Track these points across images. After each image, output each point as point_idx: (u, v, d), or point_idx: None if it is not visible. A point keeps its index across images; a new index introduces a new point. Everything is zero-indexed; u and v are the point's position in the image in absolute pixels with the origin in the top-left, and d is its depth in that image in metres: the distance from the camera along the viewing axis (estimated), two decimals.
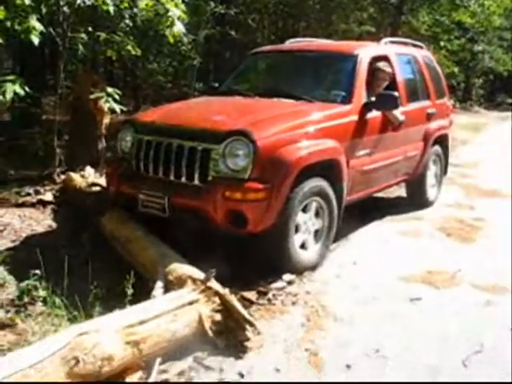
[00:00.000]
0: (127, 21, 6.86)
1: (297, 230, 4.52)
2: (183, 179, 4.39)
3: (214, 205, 4.15)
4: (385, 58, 6.01)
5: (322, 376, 3.09)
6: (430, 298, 4.26)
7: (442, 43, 18.81)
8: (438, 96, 7.17)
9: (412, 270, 4.79)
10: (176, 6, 5.88)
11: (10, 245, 4.84)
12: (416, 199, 7.10)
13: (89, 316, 3.37)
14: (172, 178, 4.46)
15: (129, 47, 6.67)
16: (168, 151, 4.49)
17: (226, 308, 3.42)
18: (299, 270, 4.50)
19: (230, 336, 3.37)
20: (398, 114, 5.78)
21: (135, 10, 6.31)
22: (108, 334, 2.92)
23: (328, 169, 4.74)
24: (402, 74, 6.23)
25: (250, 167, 4.15)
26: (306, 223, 4.63)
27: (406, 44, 7.10)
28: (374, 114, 5.46)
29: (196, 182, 4.33)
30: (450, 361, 3.33)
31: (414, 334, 3.66)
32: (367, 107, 5.35)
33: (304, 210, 4.57)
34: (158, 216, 4.49)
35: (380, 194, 7.08)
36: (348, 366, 3.19)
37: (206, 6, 10.90)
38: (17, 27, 5.14)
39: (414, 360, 3.31)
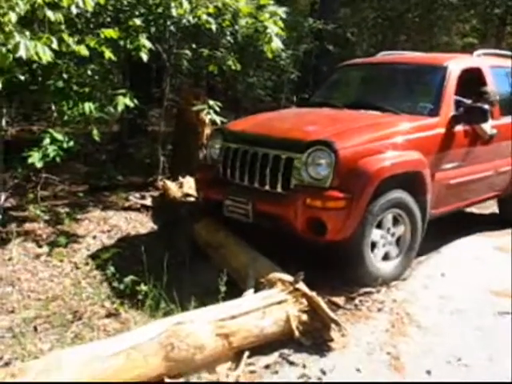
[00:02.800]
0: (228, 37, 7.20)
1: (375, 243, 4.57)
2: (267, 187, 4.57)
3: (295, 211, 4.29)
4: (477, 71, 5.95)
5: (401, 379, 3.19)
6: None
7: None
8: None
9: (502, 284, 4.73)
10: (275, 23, 6.15)
11: (117, 243, 5.27)
12: (508, 216, 6.83)
13: (185, 309, 3.65)
14: (256, 185, 4.65)
15: (230, 62, 7.01)
16: (254, 159, 4.69)
17: (312, 308, 3.59)
18: (378, 283, 4.50)
19: (315, 336, 3.54)
20: (488, 127, 5.66)
21: (236, 27, 6.62)
22: (201, 326, 3.19)
23: (411, 181, 4.74)
24: (495, 87, 6.06)
25: (331, 176, 4.25)
26: (386, 235, 4.66)
27: (502, 56, 6.90)
28: (463, 127, 5.40)
29: (279, 189, 4.49)
30: None
31: (499, 346, 3.65)
32: (455, 120, 5.30)
33: (383, 223, 4.60)
34: (246, 223, 4.70)
35: (474, 210, 6.98)
36: (428, 372, 3.26)
37: (304, 21, 11.18)
38: (128, 46, 5.58)
39: (494, 371, 3.32)
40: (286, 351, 3.43)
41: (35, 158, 5.10)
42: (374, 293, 4.40)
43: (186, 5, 5.67)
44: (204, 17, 5.91)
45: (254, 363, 3.31)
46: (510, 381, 3.19)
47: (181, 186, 6.58)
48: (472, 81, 5.84)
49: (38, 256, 4.89)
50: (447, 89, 5.41)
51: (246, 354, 3.32)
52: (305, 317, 3.57)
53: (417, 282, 4.71)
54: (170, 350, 3.01)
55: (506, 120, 6.20)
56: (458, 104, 5.51)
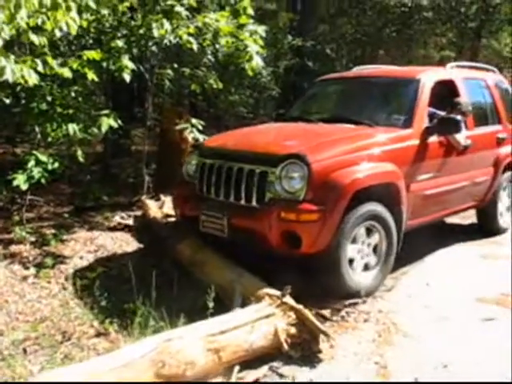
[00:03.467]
0: (209, 56, 7.31)
1: (353, 259, 4.58)
2: (242, 201, 4.60)
3: (270, 225, 4.31)
4: (450, 83, 6.04)
5: None
6: (503, 319, 4.29)
7: None
8: (510, 121, 6.95)
9: (487, 291, 4.82)
10: (255, 41, 6.25)
11: (104, 263, 5.29)
12: (487, 226, 6.90)
13: (174, 326, 3.68)
14: (232, 199, 4.68)
15: (211, 81, 7.12)
16: (229, 174, 4.72)
17: (301, 321, 3.64)
18: (354, 296, 4.50)
19: (303, 348, 3.59)
20: (462, 138, 5.71)
21: (217, 46, 6.71)
22: (191, 342, 3.22)
23: (386, 192, 4.77)
24: (468, 98, 6.13)
25: (305, 189, 4.28)
26: (362, 247, 4.67)
27: (475, 68, 7.05)
28: (437, 138, 5.44)
29: (254, 203, 4.51)
30: None
31: (484, 352, 3.72)
32: (429, 131, 5.34)
33: (357, 237, 4.59)
34: (225, 241, 4.72)
35: (455, 220, 7.10)
36: (416, 379, 3.32)
37: (283, 38, 11.35)
38: (111, 66, 5.65)
39: (481, 376, 3.39)
40: (275, 364, 3.48)
41: (20, 181, 5.13)
42: (359, 304, 4.46)
43: (167, 25, 5.77)
44: (185, 37, 6.01)
45: (244, 377, 3.35)
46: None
47: (162, 205, 6.58)
48: (446, 93, 5.97)
49: (25, 278, 4.88)
50: (420, 101, 5.47)
51: (237, 368, 3.35)
52: (293, 330, 3.62)
53: (402, 292, 4.80)
54: (160, 367, 3.03)
55: (481, 130, 6.31)
56: (432, 116, 5.59)
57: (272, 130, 6.02)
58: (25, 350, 3.75)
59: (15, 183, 5.12)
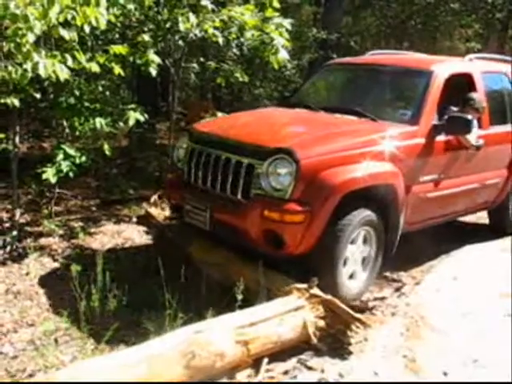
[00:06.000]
0: (235, 50, 7.32)
1: (345, 260, 4.32)
2: (228, 193, 4.34)
3: (252, 223, 4.08)
4: (467, 76, 5.60)
5: (418, 381, 3.23)
6: None
7: None
8: None
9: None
10: (280, 34, 6.23)
11: (132, 257, 5.34)
12: (498, 226, 6.52)
13: (203, 319, 3.70)
14: (218, 190, 4.43)
15: (237, 74, 7.12)
16: (216, 163, 4.46)
17: (332, 312, 3.63)
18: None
19: (332, 341, 3.60)
20: (474, 138, 5.27)
21: (242, 39, 6.70)
22: (221, 334, 3.24)
23: (382, 194, 4.47)
24: (485, 95, 5.68)
25: (292, 188, 4.00)
26: (354, 254, 4.41)
27: (496, 60, 6.52)
28: (445, 137, 5.04)
29: (239, 196, 4.26)
30: None
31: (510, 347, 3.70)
32: (437, 129, 4.95)
33: (352, 241, 4.34)
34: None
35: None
36: (445, 373, 3.31)
37: (308, 31, 11.30)
38: (137, 61, 5.69)
39: (509, 371, 3.37)
40: (303, 357, 3.49)
41: (49, 174, 5.19)
42: (387, 297, 4.45)
43: (192, 19, 5.77)
44: (211, 30, 6.01)
45: (273, 369, 3.37)
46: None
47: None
48: (461, 87, 5.51)
49: (54, 270, 4.96)
50: (430, 96, 5.03)
51: (266, 360, 3.37)
52: (321, 322, 3.63)
53: (429, 286, 4.76)
54: (191, 358, 3.06)
55: (496, 130, 5.82)
56: (444, 111, 5.20)
57: (269, 116, 5.62)
58: (56, 341, 3.81)
59: (44, 176, 5.18)
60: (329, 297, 3.68)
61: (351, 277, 4.47)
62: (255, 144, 4.33)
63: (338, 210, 4.10)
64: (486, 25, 16.15)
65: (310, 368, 3.36)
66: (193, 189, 4.69)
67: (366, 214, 4.32)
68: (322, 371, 3.31)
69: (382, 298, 4.40)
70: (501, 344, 3.72)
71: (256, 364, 3.36)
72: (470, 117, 5.05)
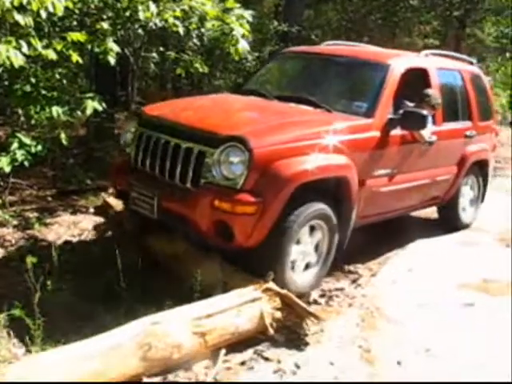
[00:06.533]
0: (195, 40, 7.25)
1: (295, 261, 4.27)
2: (177, 181, 4.17)
3: (201, 213, 3.93)
4: (423, 71, 5.62)
5: (373, 370, 3.29)
6: (483, 304, 4.37)
7: (508, 54, 18.42)
8: (482, 118, 6.57)
9: (466, 277, 4.90)
10: (241, 25, 6.21)
11: (88, 247, 5.25)
12: (447, 221, 6.57)
13: (160, 310, 3.68)
14: (166, 178, 4.25)
15: (197, 65, 7.06)
16: (165, 149, 4.28)
17: (287, 305, 3.66)
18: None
19: (288, 332, 3.63)
20: (428, 133, 5.33)
21: (202, 30, 6.65)
22: (177, 325, 3.24)
23: (335, 187, 4.42)
24: (440, 90, 5.69)
25: (244, 177, 3.86)
26: (305, 247, 4.35)
27: (452, 58, 6.61)
28: (399, 132, 5.01)
29: (188, 185, 4.09)
30: (497, 359, 3.46)
31: (464, 336, 3.80)
32: (392, 123, 4.89)
33: (301, 238, 4.26)
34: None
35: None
36: (399, 363, 3.38)
37: (269, 24, 11.29)
38: (96, 49, 5.58)
39: (461, 360, 3.46)
40: (260, 348, 3.51)
41: (3, 163, 5.07)
42: (344, 289, 4.51)
43: (153, 8, 5.69)
44: (171, 20, 5.93)
45: (230, 360, 3.38)
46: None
47: None
48: (417, 82, 5.51)
49: (8, 261, 4.84)
50: (386, 89, 4.98)
51: (223, 351, 3.38)
52: (278, 314, 3.65)
53: (385, 278, 4.85)
54: (147, 350, 3.05)
55: (448, 126, 5.91)
56: (399, 106, 5.16)
57: (222, 102, 5.53)
58: (9, 334, 3.73)
59: None
60: (284, 291, 3.70)
61: (303, 269, 4.41)
62: (207, 130, 4.18)
63: (290, 203, 3.99)
64: (444, 22, 16.43)
65: (266, 359, 3.39)
66: (140, 175, 4.51)
67: (318, 207, 4.24)
68: (279, 362, 3.35)
69: (339, 290, 4.45)
70: (454, 333, 3.82)
71: (213, 355, 3.36)
72: (425, 112, 5.07)
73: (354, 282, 4.73)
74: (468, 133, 6.24)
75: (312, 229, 4.35)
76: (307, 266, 4.45)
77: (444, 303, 4.35)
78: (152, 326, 3.15)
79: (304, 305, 3.66)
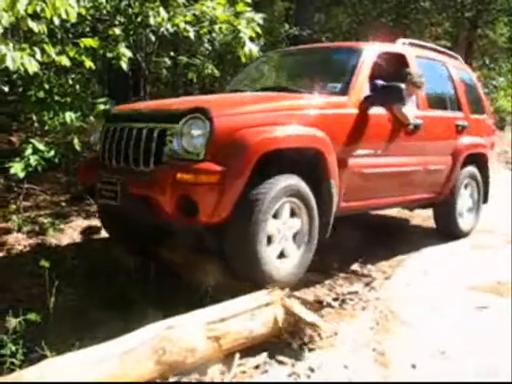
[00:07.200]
0: (206, 45, 7.30)
1: (270, 238, 4.09)
2: (141, 165, 4.11)
3: (163, 189, 3.79)
4: (401, 57, 5.63)
5: (387, 373, 3.28)
6: (496, 307, 4.34)
7: None
8: (473, 111, 6.60)
9: (480, 280, 4.87)
10: (252, 29, 6.23)
11: (104, 251, 5.29)
12: (445, 228, 6.41)
13: (174, 315, 3.69)
14: (131, 165, 4.20)
15: (208, 69, 7.11)
16: (129, 137, 4.25)
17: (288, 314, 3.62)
18: (274, 284, 3.91)
19: (302, 335, 3.62)
20: (410, 114, 5.23)
21: (213, 34, 6.70)
22: (192, 329, 3.24)
23: (307, 159, 4.27)
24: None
25: (206, 147, 3.77)
26: (280, 229, 4.16)
27: (434, 50, 6.64)
28: (381, 111, 5.00)
29: (151, 166, 4.02)
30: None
31: (478, 339, 3.77)
32: (369, 101, 4.86)
33: (279, 213, 4.11)
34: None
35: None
36: (413, 366, 3.36)
37: (280, 27, 11.32)
38: (108, 54, 5.64)
39: (476, 362, 3.43)
40: (274, 351, 3.50)
41: (17, 169, 5.12)
42: (357, 292, 4.50)
43: (163, 13, 5.74)
44: (182, 25, 5.99)
45: (244, 364, 3.37)
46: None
47: None
48: (396, 67, 5.52)
49: (23, 266, 4.88)
50: (360, 69, 4.99)
51: (237, 355, 3.37)
52: (292, 318, 3.64)
53: (400, 280, 4.83)
54: (161, 354, 3.05)
55: (436, 113, 5.90)
56: (377, 87, 5.09)
57: (191, 97, 5.68)
58: (24, 337, 3.74)
59: (12, 171, 5.12)
60: (286, 301, 3.62)
61: (281, 256, 4.24)
62: (167, 109, 4.28)
63: (258, 174, 3.89)
64: (456, 23, 16.38)
65: (280, 362, 3.37)
66: (106, 168, 4.45)
67: (290, 181, 4.10)
68: (293, 365, 3.33)
69: (353, 293, 4.43)
70: (469, 336, 3.79)
71: (227, 359, 3.36)
72: (402, 85, 4.98)
73: (367, 285, 4.72)
74: (459, 122, 6.23)
75: (286, 207, 4.19)
76: (286, 251, 4.28)
77: (459, 306, 4.32)
78: (166, 331, 3.15)
79: (305, 316, 3.58)
